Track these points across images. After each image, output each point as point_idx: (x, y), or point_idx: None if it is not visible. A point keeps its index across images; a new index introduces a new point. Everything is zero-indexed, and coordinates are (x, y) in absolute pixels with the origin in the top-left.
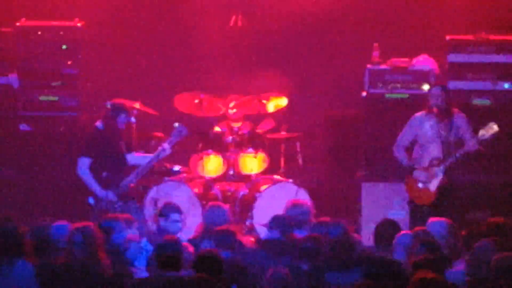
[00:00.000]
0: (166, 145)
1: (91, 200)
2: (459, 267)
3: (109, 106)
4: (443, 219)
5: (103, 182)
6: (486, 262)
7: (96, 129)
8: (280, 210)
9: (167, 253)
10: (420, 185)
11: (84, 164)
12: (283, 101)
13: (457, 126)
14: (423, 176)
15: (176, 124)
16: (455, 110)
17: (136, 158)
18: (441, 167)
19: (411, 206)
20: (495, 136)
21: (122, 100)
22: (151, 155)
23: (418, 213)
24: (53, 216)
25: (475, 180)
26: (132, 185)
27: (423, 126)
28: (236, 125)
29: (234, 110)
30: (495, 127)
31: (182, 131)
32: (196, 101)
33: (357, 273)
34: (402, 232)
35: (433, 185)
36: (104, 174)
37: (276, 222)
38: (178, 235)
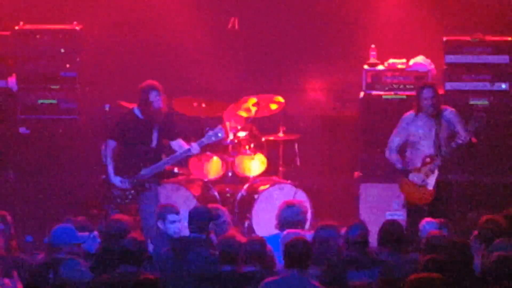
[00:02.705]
0: (194, 144)
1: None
2: None
3: (140, 90)
4: (436, 220)
5: (123, 168)
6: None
7: (131, 113)
8: None
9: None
10: (417, 186)
11: (108, 146)
12: (280, 103)
13: (447, 120)
14: (419, 177)
15: (219, 127)
16: (444, 106)
17: (176, 145)
18: (435, 164)
19: (408, 208)
20: (484, 123)
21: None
22: (188, 147)
23: (416, 214)
24: (52, 217)
25: (472, 180)
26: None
27: (415, 125)
28: (234, 127)
29: (232, 112)
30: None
31: (217, 133)
32: (195, 103)
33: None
34: None
35: (431, 183)
36: (124, 160)
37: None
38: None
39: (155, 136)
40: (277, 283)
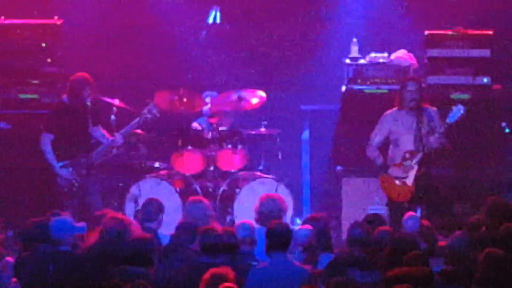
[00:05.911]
0: (118, 136)
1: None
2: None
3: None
4: (414, 214)
5: (66, 156)
6: (463, 254)
7: (62, 104)
8: None
9: None
10: (397, 182)
11: (46, 140)
12: (261, 97)
13: (428, 119)
14: (398, 172)
15: (151, 104)
16: (427, 104)
17: (98, 133)
18: (415, 160)
19: (390, 205)
20: (462, 117)
21: (85, 75)
22: (111, 137)
23: (398, 210)
24: (32, 213)
25: (453, 174)
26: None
27: (396, 122)
28: (215, 121)
29: (212, 107)
30: (461, 110)
31: (152, 110)
32: (176, 98)
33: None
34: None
35: (410, 179)
36: (66, 149)
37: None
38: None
39: (90, 121)
40: (264, 269)
